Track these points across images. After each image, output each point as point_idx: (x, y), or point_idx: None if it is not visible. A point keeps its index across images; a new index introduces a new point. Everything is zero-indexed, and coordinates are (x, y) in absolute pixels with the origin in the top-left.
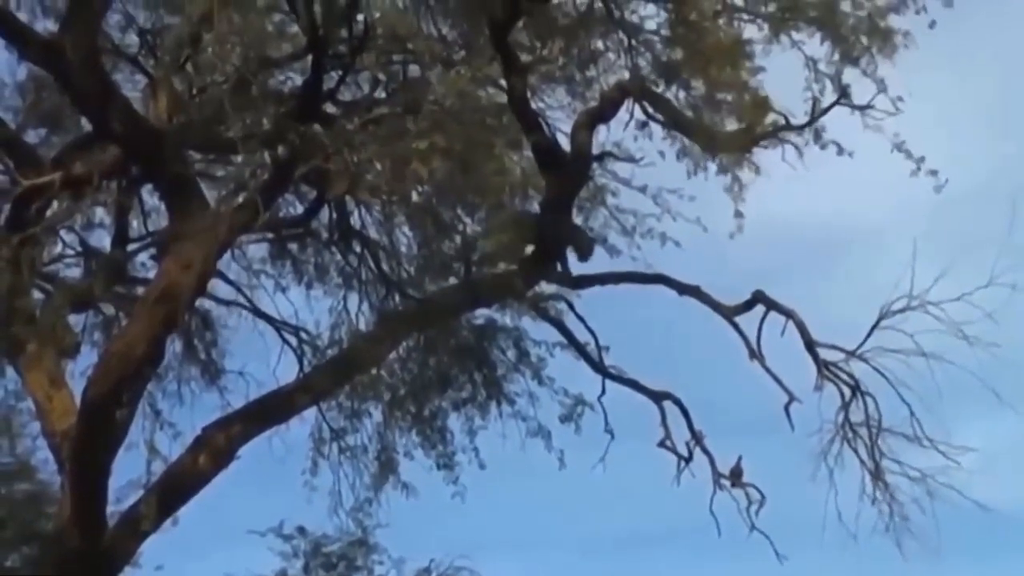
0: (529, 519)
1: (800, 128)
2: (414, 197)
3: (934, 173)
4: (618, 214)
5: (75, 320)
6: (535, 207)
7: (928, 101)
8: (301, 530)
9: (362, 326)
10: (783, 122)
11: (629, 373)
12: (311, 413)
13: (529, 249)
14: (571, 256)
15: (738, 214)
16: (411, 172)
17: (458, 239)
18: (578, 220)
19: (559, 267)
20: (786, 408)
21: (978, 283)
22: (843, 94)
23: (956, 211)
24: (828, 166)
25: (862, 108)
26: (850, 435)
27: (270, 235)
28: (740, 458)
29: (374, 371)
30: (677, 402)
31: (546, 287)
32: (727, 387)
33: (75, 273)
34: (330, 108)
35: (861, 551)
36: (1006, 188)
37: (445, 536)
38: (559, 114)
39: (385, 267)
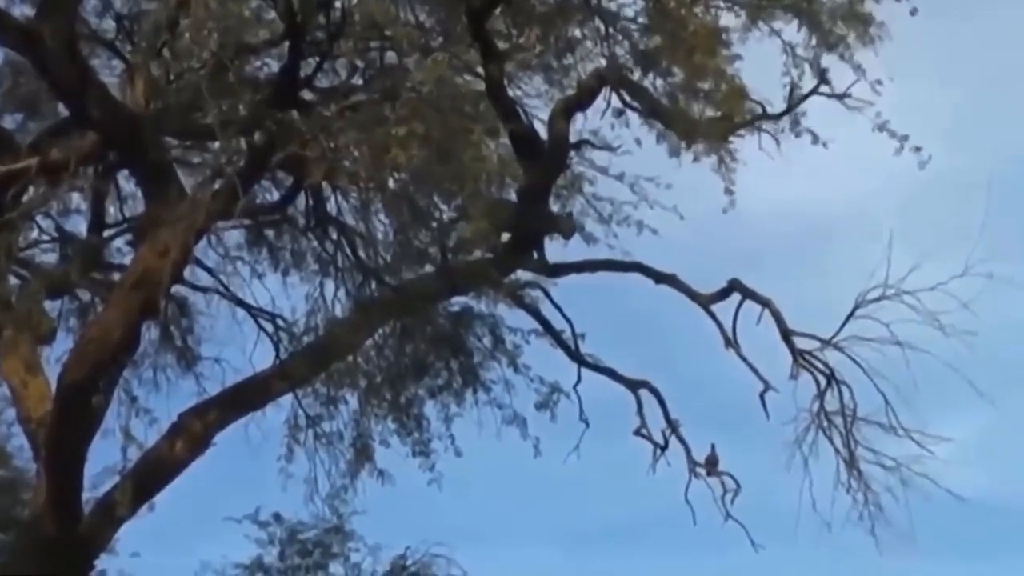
0: (505, 507)
1: (778, 117)
2: (391, 184)
3: (918, 150)
4: (595, 202)
5: (51, 306)
6: (512, 195)
7: (906, 89)
8: (277, 517)
9: (338, 313)
10: (761, 110)
11: (605, 361)
12: (287, 400)
13: (506, 237)
14: (548, 244)
15: (728, 191)
16: (388, 159)
17: (435, 226)
18: (555, 208)
19: (536, 255)
20: (761, 396)
21: (954, 272)
22: (822, 79)
23: (932, 200)
24: (806, 155)
25: (840, 96)
26: (825, 424)
27: (247, 222)
28: (713, 446)
29: (350, 358)
30: (653, 390)
31: (522, 275)
32: (703, 376)
33: (51, 259)
34: (307, 95)
35: (836, 540)
36: (982, 177)
37: (421, 524)
38: (536, 102)
39: (362, 254)
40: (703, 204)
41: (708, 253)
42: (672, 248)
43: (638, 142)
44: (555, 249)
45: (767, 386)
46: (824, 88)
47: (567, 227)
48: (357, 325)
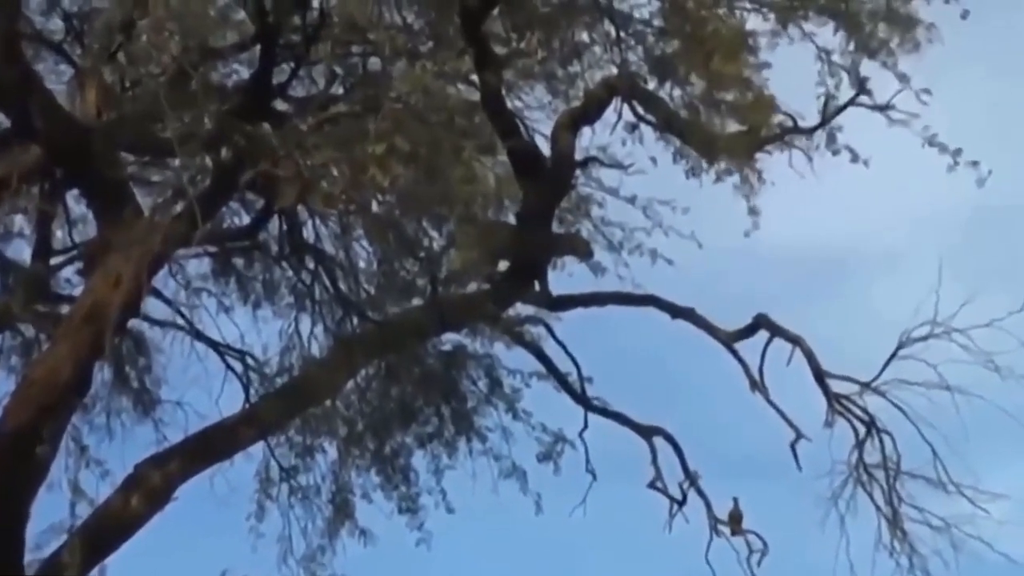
0: (502, 571)
1: (811, 131)
2: (374, 207)
3: (975, 164)
4: (604, 227)
5: None
6: (510, 219)
7: (954, 104)
8: None
9: (316, 351)
10: (791, 124)
11: (615, 406)
12: (258, 449)
13: (503, 266)
14: (551, 274)
15: (752, 211)
16: (370, 179)
17: (423, 255)
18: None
19: (537, 286)
20: (792, 446)
21: (1011, 308)
22: (861, 89)
23: (985, 229)
24: (841, 175)
25: (882, 108)
26: (865, 478)
27: (212, 248)
28: (737, 501)
29: (329, 402)
30: (669, 438)
31: (522, 309)
32: (725, 422)
33: None
34: (280, 105)
35: None
36: None
37: None
38: (538, 115)
39: (342, 286)
40: (725, 231)
41: (730, 285)
42: (690, 280)
43: (653, 160)
44: (559, 280)
45: (798, 435)
46: (864, 99)
47: (582, 247)
48: (336, 365)
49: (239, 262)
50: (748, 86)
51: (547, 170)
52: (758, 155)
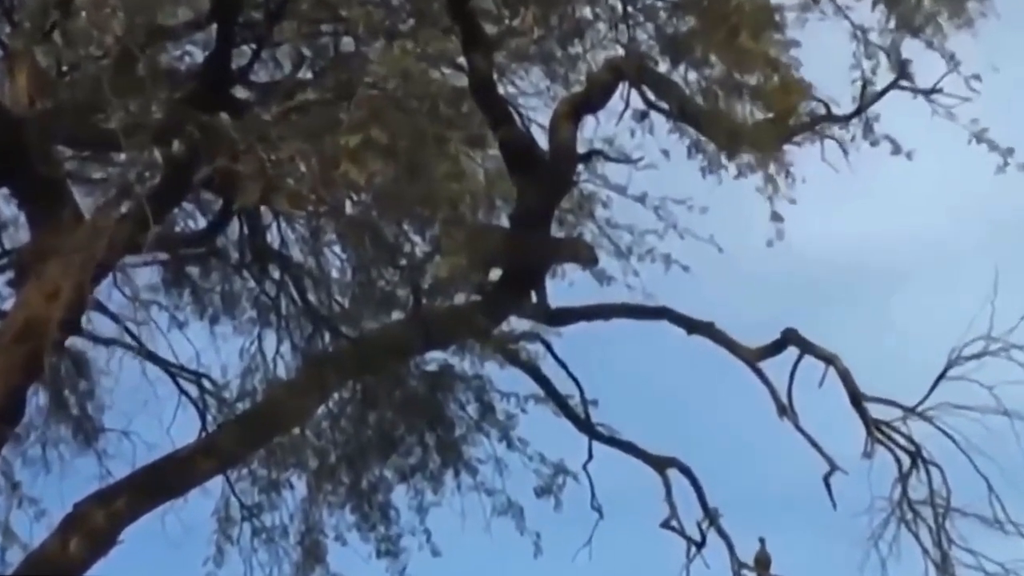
0: None
1: (847, 119)
2: (348, 208)
3: None
4: (610, 230)
5: None
6: (503, 221)
7: (1011, 93)
8: None
9: (282, 372)
10: (824, 111)
11: (623, 434)
12: (216, 484)
13: (495, 275)
14: (550, 283)
15: (776, 216)
16: (344, 176)
17: (404, 262)
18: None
19: (534, 298)
20: (826, 480)
21: None
22: (902, 72)
23: None
24: (880, 169)
25: (927, 92)
26: (909, 516)
27: (163, 256)
28: (763, 542)
29: (297, 431)
30: (685, 471)
31: (517, 323)
32: (749, 453)
33: None
34: (240, 92)
35: None
36: None
37: None
38: (534, 102)
39: (311, 297)
40: (749, 234)
41: (755, 296)
42: (709, 290)
43: (665, 154)
44: (559, 291)
45: (833, 467)
46: (905, 83)
47: (585, 253)
48: (306, 388)
49: (194, 271)
50: (774, 68)
51: (545, 165)
52: (786, 147)
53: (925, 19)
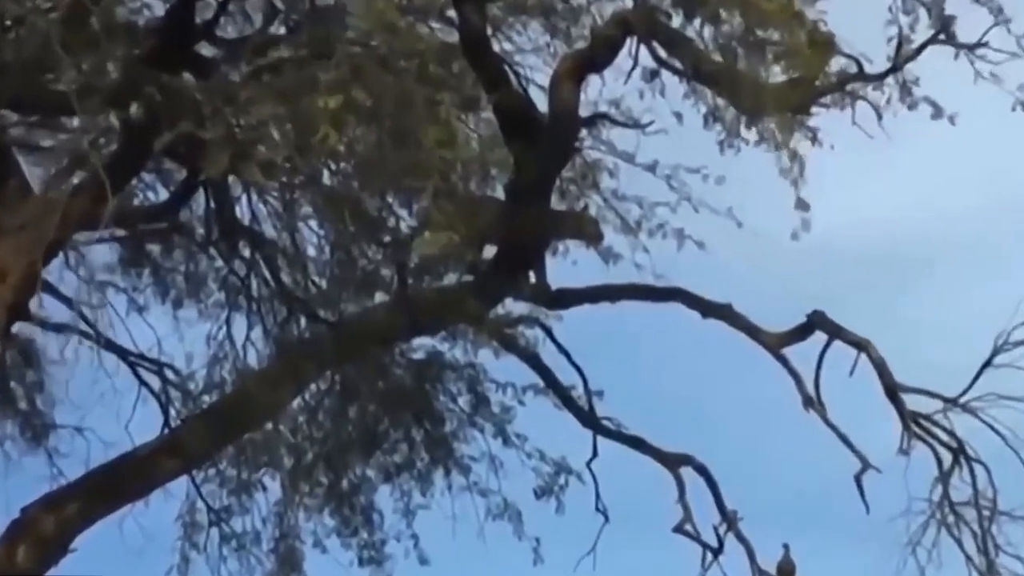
0: None
1: (880, 78)
2: (326, 179)
3: None
4: (617, 202)
5: None
6: (498, 192)
7: None
8: None
9: (253, 361)
10: (855, 69)
11: (632, 429)
12: (180, 486)
13: (490, 252)
14: (550, 261)
15: (801, 204)
16: (321, 143)
17: (389, 239)
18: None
19: (532, 278)
20: (858, 479)
21: None
22: (943, 27)
23: None
24: (916, 138)
25: (971, 47)
26: (951, 519)
27: (121, 232)
28: (787, 548)
29: (270, 426)
30: (701, 470)
31: (514, 306)
32: (771, 449)
33: None
34: (206, 50)
35: None
36: None
37: None
38: (533, 60)
39: (285, 278)
40: (772, 207)
41: (778, 275)
42: (727, 269)
43: (678, 117)
44: (561, 270)
45: (865, 464)
46: (946, 39)
47: (589, 228)
48: (279, 379)
49: (155, 249)
50: (800, 22)
51: (544, 130)
52: (813, 110)
53: None
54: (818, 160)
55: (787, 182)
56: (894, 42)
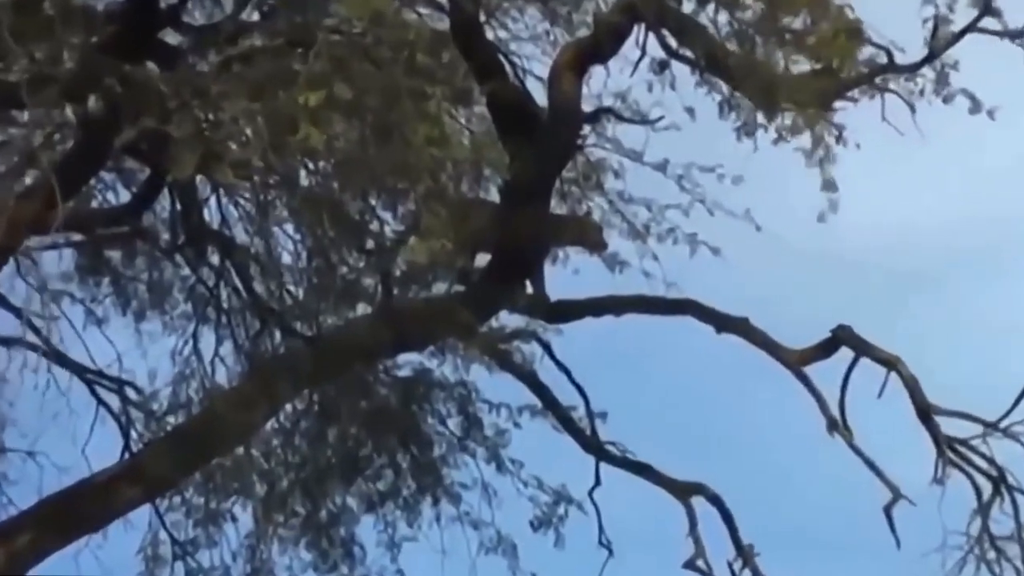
0: None
1: (914, 68)
2: (304, 180)
3: None
4: (623, 204)
5: None
6: (492, 194)
7: None
8: None
9: (222, 379)
10: (886, 60)
11: (638, 454)
12: (142, 516)
13: (483, 260)
14: (549, 271)
15: (829, 185)
16: (300, 141)
17: (372, 245)
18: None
19: (529, 288)
20: (887, 511)
21: None
22: (987, 9)
23: None
24: (954, 133)
25: (1014, 35)
26: (992, 555)
27: (77, 237)
28: None
29: (241, 450)
30: (714, 499)
31: (509, 319)
32: (791, 477)
33: None
34: (171, 37)
35: None
36: None
37: None
38: (530, 49)
39: (259, 287)
40: (793, 209)
41: (800, 287)
42: (744, 278)
43: (689, 112)
44: (561, 280)
45: (896, 495)
46: (990, 24)
47: (592, 234)
48: (252, 398)
49: (115, 256)
50: (824, 7)
51: (543, 126)
52: (838, 104)
53: None
54: (843, 161)
55: (807, 179)
56: (930, 25)
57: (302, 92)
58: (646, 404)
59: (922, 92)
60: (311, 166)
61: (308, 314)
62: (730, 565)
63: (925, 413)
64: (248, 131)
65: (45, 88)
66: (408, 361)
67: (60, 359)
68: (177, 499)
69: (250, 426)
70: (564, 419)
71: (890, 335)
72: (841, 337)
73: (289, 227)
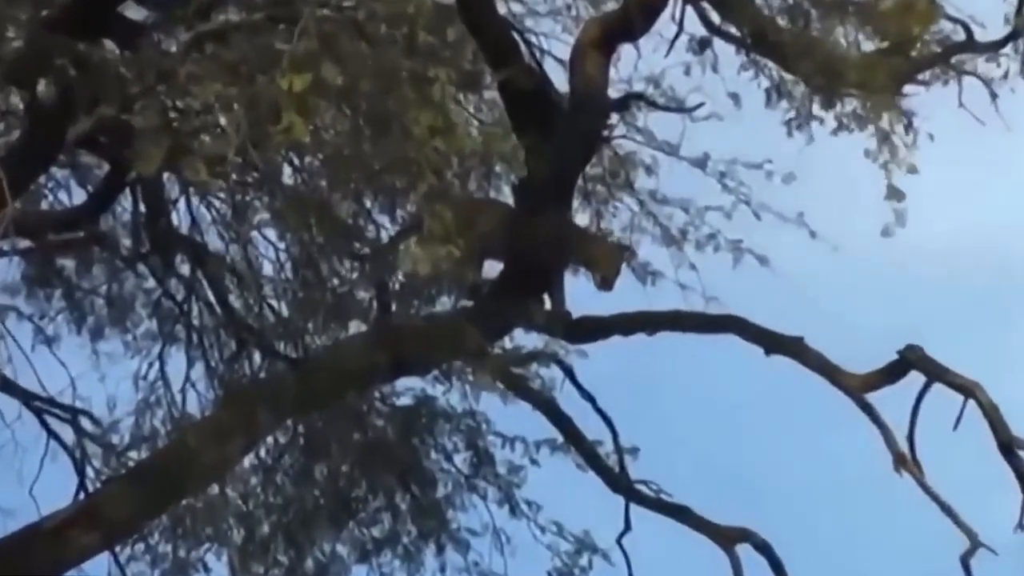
0: None
1: (996, 47)
2: (287, 177)
3: None
4: (656, 206)
5: None
6: (505, 194)
7: None
8: None
9: (193, 408)
10: (964, 37)
11: (675, 496)
12: (100, 566)
13: (494, 270)
14: (571, 282)
15: (894, 192)
16: (283, 132)
17: (367, 253)
18: (584, 217)
19: (547, 303)
20: (964, 561)
21: None
22: None
23: None
24: None
25: None
26: None
27: (24, 243)
28: None
29: (215, 490)
30: (762, 547)
31: (525, 339)
32: (851, 522)
33: None
34: (133, 11)
35: None
36: None
37: None
38: (549, 25)
39: (235, 302)
40: (856, 212)
41: (863, 301)
42: (797, 292)
43: (734, 99)
44: (584, 293)
45: (974, 542)
46: None
47: (606, 265)
48: (227, 430)
49: (68, 265)
50: None
51: (564, 115)
52: (908, 89)
53: None
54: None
55: (870, 177)
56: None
57: (285, 75)
58: (684, 437)
59: (1006, 75)
60: (296, 161)
61: (292, 333)
62: None
63: (1008, 447)
64: (223, 121)
65: None
66: (408, 387)
67: (5, 384)
68: (140, 547)
69: (225, 462)
70: (589, 455)
71: (966, 357)
72: (911, 359)
73: (270, 232)
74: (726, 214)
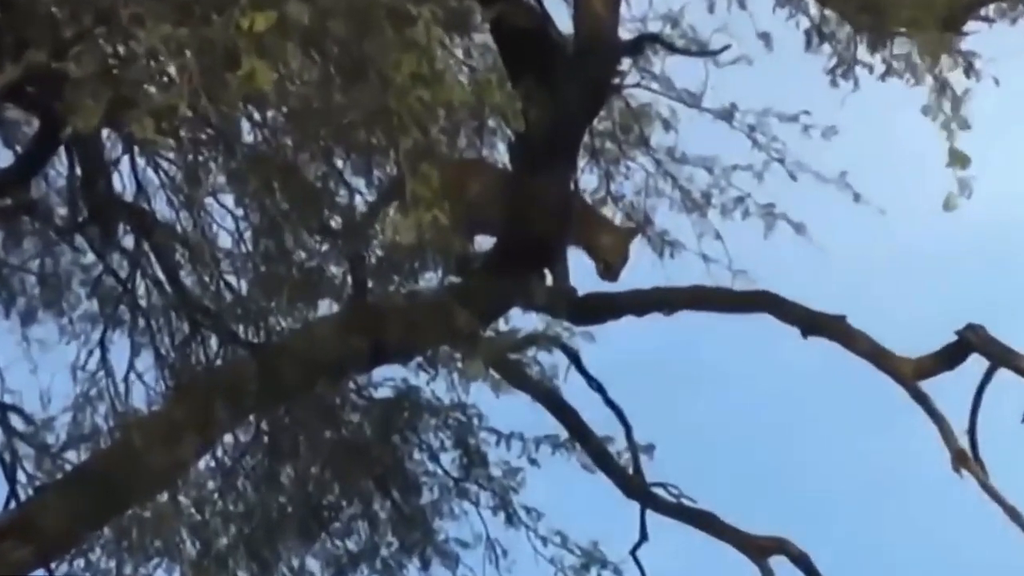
0: None
1: None
2: (246, 134)
3: None
4: (674, 166)
5: None
6: (501, 153)
7: None
8: None
9: (139, 403)
10: None
11: (698, 501)
12: None
13: (487, 242)
14: (575, 256)
15: (957, 156)
16: (243, 81)
17: (340, 222)
18: (591, 179)
19: (548, 278)
20: None
21: None
22: None
23: None
24: None
25: None
26: None
27: None
28: None
29: (165, 497)
30: (799, 559)
31: (523, 320)
32: (903, 529)
33: None
34: None
35: None
36: None
37: None
38: None
39: (187, 279)
40: (905, 173)
41: (914, 276)
42: (836, 264)
43: (764, 39)
44: (590, 267)
45: None
46: None
47: (611, 251)
48: (179, 428)
49: None
50: None
51: (568, 60)
52: (968, 27)
53: None
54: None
55: (923, 131)
56: None
57: (245, 14)
58: (707, 433)
59: None
60: (257, 116)
61: (254, 315)
62: None
63: None
64: (172, 68)
65: None
66: (388, 377)
67: None
68: (80, 563)
69: (177, 464)
70: (597, 454)
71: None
72: (972, 341)
73: (228, 199)
74: (756, 174)
